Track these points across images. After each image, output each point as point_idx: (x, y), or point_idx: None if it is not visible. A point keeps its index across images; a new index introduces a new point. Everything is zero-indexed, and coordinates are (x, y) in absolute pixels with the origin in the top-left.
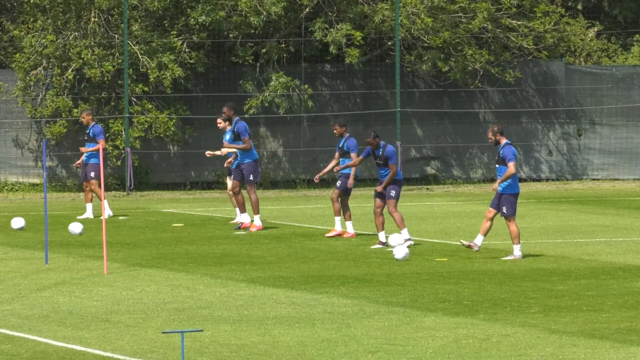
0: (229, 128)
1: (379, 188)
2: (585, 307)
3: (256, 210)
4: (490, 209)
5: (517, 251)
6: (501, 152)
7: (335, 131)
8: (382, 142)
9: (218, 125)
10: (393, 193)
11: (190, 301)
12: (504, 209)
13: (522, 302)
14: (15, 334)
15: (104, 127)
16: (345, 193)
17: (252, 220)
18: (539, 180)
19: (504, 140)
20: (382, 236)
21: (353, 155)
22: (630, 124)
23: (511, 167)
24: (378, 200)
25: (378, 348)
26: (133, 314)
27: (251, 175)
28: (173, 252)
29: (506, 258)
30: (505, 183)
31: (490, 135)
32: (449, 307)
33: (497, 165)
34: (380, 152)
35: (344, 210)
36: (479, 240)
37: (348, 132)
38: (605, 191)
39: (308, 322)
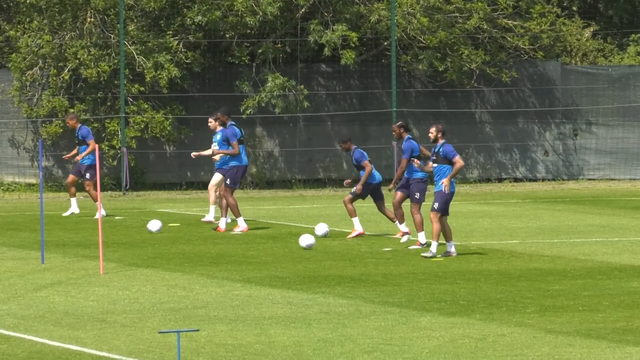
0: (219, 129)
1: (391, 186)
2: (581, 307)
3: (237, 213)
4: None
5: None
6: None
7: (341, 148)
8: (407, 136)
9: (209, 125)
10: (417, 195)
11: (187, 301)
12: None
13: (518, 302)
14: (12, 333)
15: (100, 128)
16: (353, 195)
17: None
18: (535, 180)
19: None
20: (402, 227)
21: (365, 162)
22: (626, 124)
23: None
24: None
25: (374, 348)
26: (129, 313)
27: (228, 180)
28: (169, 252)
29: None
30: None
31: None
32: (445, 307)
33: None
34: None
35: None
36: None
37: (354, 143)
38: (601, 191)
39: (304, 322)
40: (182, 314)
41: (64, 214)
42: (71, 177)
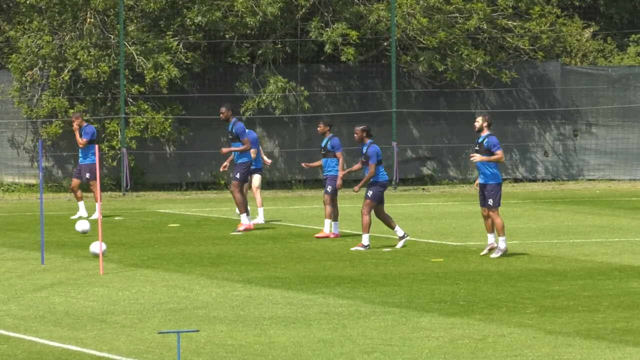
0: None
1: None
2: (581, 307)
3: (242, 209)
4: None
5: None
6: (366, 151)
7: (319, 130)
8: (368, 140)
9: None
10: (370, 193)
11: (186, 301)
12: (490, 201)
13: (518, 303)
14: (11, 334)
15: (100, 128)
16: (334, 194)
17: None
18: (535, 180)
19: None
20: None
21: (338, 154)
22: (626, 124)
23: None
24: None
25: (374, 348)
26: (129, 314)
27: (238, 174)
28: (169, 253)
29: (493, 256)
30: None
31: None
32: (445, 307)
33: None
34: (365, 150)
35: (333, 211)
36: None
37: (332, 132)
38: (601, 192)
39: (304, 322)
40: (182, 315)
41: (72, 217)
42: (75, 181)
